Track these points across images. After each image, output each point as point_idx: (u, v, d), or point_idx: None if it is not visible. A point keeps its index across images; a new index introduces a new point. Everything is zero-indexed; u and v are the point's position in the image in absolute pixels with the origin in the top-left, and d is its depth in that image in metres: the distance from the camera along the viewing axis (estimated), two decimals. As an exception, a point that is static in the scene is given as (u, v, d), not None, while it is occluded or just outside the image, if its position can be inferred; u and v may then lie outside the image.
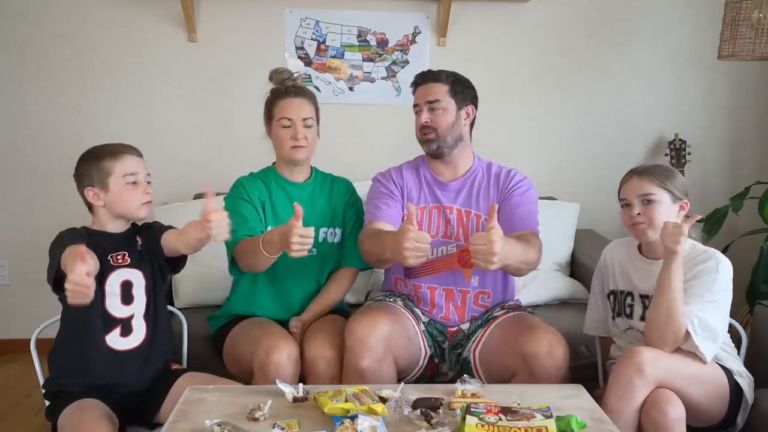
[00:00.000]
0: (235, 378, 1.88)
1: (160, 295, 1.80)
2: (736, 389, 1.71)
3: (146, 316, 1.74)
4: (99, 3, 2.92)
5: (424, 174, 2.04)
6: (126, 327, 1.71)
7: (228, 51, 2.99)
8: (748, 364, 1.83)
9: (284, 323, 1.96)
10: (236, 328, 1.96)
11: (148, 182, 1.73)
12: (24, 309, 3.03)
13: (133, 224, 1.80)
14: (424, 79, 1.99)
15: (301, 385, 1.55)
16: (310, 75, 3.01)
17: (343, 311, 2.14)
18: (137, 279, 1.73)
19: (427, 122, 1.95)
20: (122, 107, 3.00)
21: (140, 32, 2.95)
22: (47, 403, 1.71)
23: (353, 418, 1.34)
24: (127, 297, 1.71)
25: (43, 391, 1.73)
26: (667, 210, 1.74)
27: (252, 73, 2.96)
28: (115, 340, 1.69)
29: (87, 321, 1.67)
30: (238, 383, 1.77)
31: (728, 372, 1.71)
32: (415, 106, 2.00)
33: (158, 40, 2.96)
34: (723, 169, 3.20)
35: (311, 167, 2.10)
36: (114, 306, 1.70)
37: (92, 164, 1.69)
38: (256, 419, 1.41)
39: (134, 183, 1.69)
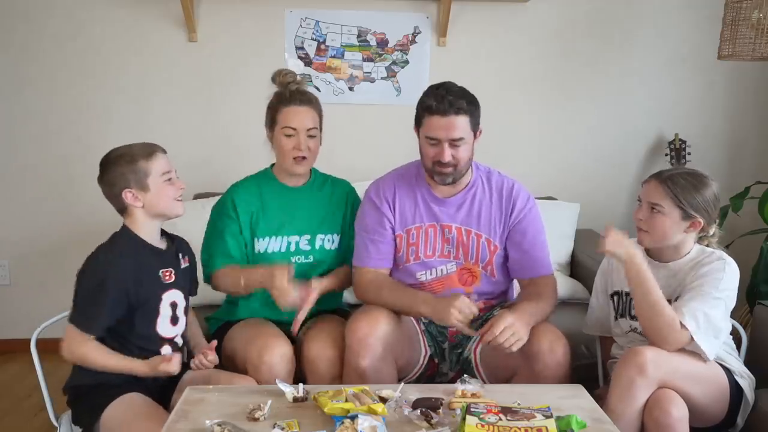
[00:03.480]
0: None
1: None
2: (736, 389, 1.71)
3: (184, 335, 1.80)
4: (99, 3, 2.92)
5: (420, 189, 1.94)
6: (173, 345, 1.76)
7: (228, 51, 2.99)
8: (748, 364, 1.83)
9: (280, 324, 1.95)
10: (232, 329, 1.96)
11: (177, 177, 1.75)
12: (24, 309, 3.03)
13: (172, 240, 1.81)
14: (447, 110, 1.76)
15: (301, 385, 1.55)
16: (310, 75, 3.01)
17: (344, 311, 2.13)
18: (180, 300, 1.77)
19: (449, 160, 1.79)
20: (122, 107, 2.99)
21: (140, 32, 2.95)
22: (59, 407, 1.72)
23: (353, 418, 1.35)
24: (174, 318, 1.75)
25: (70, 388, 1.70)
26: (671, 225, 1.72)
27: (252, 74, 2.96)
28: (167, 352, 1.73)
29: (142, 343, 1.69)
30: (239, 374, 1.78)
31: (729, 372, 1.72)
32: (432, 138, 1.79)
33: (158, 40, 2.96)
34: (723, 169, 3.20)
35: (311, 169, 2.08)
36: (164, 327, 1.73)
37: (127, 167, 1.67)
38: (256, 419, 1.42)
39: (170, 179, 1.70)
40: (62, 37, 2.93)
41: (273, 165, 2.07)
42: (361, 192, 2.18)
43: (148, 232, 1.73)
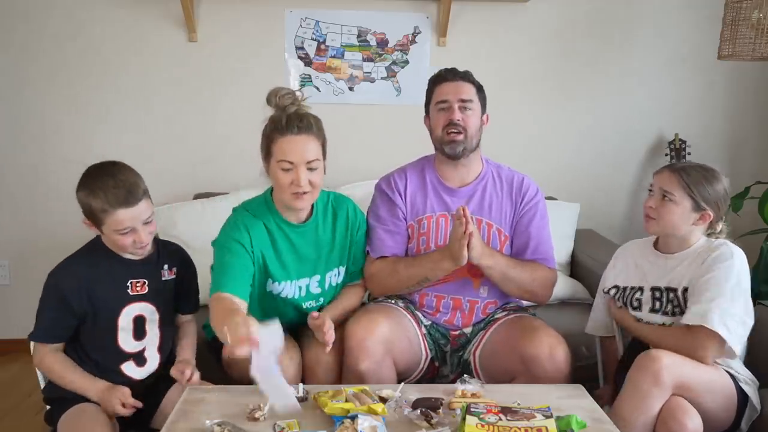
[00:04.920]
0: (233, 383, 1.87)
1: (173, 323, 1.80)
2: (742, 395, 1.69)
3: (160, 348, 1.73)
4: (99, 3, 2.92)
5: (431, 179, 1.98)
6: (139, 359, 1.70)
7: (228, 51, 2.98)
8: (748, 364, 1.82)
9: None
10: None
11: (148, 222, 1.61)
12: (24, 309, 2.98)
13: (159, 247, 1.74)
14: (455, 75, 1.92)
15: (301, 385, 1.55)
16: (310, 75, 3.01)
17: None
18: (150, 314, 1.70)
19: (459, 120, 1.87)
20: (122, 107, 2.99)
21: (140, 32, 2.95)
22: (47, 407, 1.71)
23: (353, 418, 1.35)
24: (139, 332, 1.69)
25: (43, 396, 1.72)
26: (681, 215, 1.72)
27: (252, 74, 2.96)
28: (130, 369, 1.69)
29: (99, 357, 1.66)
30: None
31: (734, 379, 1.69)
32: (442, 102, 1.89)
33: (158, 40, 2.96)
34: (723, 169, 3.12)
35: None
36: (126, 341, 1.68)
37: (85, 199, 1.59)
38: (256, 419, 1.42)
39: (126, 233, 1.59)
40: (62, 37, 2.93)
41: (272, 190, 1.85)
42: (359, 190, 2.17)
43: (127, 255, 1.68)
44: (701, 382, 1.60)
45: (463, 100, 1.88)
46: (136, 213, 1.57)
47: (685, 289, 1.72)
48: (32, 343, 1.68)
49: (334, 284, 1.93)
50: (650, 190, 1.80)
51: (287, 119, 1.69)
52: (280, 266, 1.82)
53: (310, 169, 1.70)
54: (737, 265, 1.68)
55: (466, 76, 1.93)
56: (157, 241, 1.76)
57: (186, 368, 1.67)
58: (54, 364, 1.65)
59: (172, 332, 1.80)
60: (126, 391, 1.61)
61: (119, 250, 1.65)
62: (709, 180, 1.74)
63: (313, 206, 1.85)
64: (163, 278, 1.73)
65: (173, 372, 1.68)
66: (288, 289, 1.85)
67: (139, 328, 1.68)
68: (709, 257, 1.70)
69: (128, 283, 1.66)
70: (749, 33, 2.43)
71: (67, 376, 1.64)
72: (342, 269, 1.94)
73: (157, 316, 1.71)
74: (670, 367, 1.56)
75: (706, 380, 1.62)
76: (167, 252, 1.77)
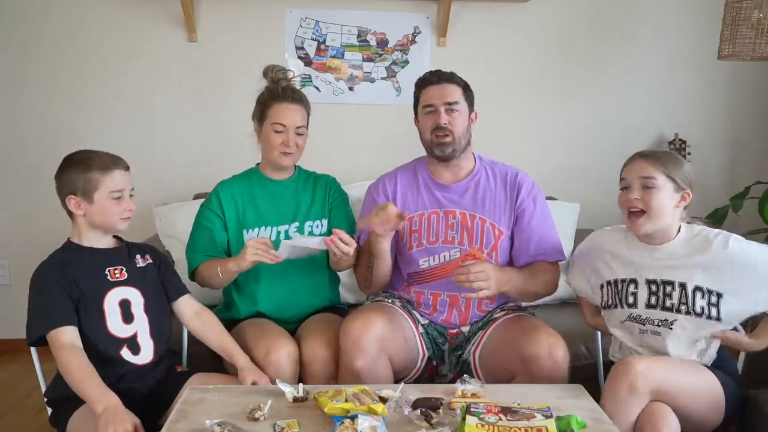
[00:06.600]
0: (225, 370, 1.88)
1: (163, 311, 1.79)
2: (732, 393, 1.67)
3: (152, 334, 1.73)
4: (99, 3, 2.92)
5: (423, 177, 2.00)
6: (133, 345, 1.69)
7: (228, 51, 2.99)
8: (747, 363, 1.82)
9: (279, 322, 1.97)
10: (235, 329, 1.96)
11: (131, 196, 1.71)
12: (24, 309, 2.99)
13: (127, 243, 1.79)
14: (439, 78, 1.93)
15: (301, 385, 1.55)
16: (310, 75, 3.01)
17: (342, 310, 2.13)
18: (135, 298, 1.72)
19: (446, 124, 1.89)
20: (122, 107, 3.00)
21: (140, 32, 2.95)
22: (50, 410, 1.69)
23: (353, 418, 1.35)
24: (127, 316, 1.70)
25: (46, 399, 1.71)
26: (668, 198, 1.69)
27: (252, 74, 2.92)
28: (129, 357, 1.69)
29: (99, 343, 1.65)
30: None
31: (728, 374, 1.68)
32: (428, 106, 1.93)
33: (158, 40, 2.96)
34: (723, 169, 3.20)
35: (295, 165, 2.10)
36: (116, 326, 1.68)
37: (80, 173, 1.66)
38: (256, 419, 1.42)
39: (119, 198, 1.67)
40: (62, 37, 2.93)
41: (258, 164, 2.10)
42: (359, 191, 2.18)
43: (91, 239, 1.71)
44: (680, 386, 1.59)
45: (448, 103, 1.90)
46: (127, 178, 1.70)
47: (697, 288, 1.68)
48: (25, 339, 1.67)
49: (316, 233, 2.04)
50: (623, 187, 1.75)
51: (282, 90, 1.98)
52: (254, 213, 2.01)
53: (298, 134, 1.97)
54: (752, 244, 1.68)
55: (451, 78, 1.94)
56: (123, 240, 1.80)
57: (247, 377, 1.70)
58: (69, 357, 1.57)
59: (164, 320, 1.79)
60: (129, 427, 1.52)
61: (105, 220, 1.68)
62: (679, 160, 1.73)
63: (296, 169, 2.10)
64: (138, 265, 1.76)
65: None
66: (263, 233, 2.00)
67: (126, 312, 1.70)
68: (711, 249, 1.67)
69: (106, 271, 1.70)
70: (749, 33, 2.43)
71: (79, 384, 1.56)
72: (324, 222, 2.06)
73: (142, 300, 1.73)
74: (645, 373, 1.55)
75: (685, 383, 1.60)
76: (136, 247, 1.82)
